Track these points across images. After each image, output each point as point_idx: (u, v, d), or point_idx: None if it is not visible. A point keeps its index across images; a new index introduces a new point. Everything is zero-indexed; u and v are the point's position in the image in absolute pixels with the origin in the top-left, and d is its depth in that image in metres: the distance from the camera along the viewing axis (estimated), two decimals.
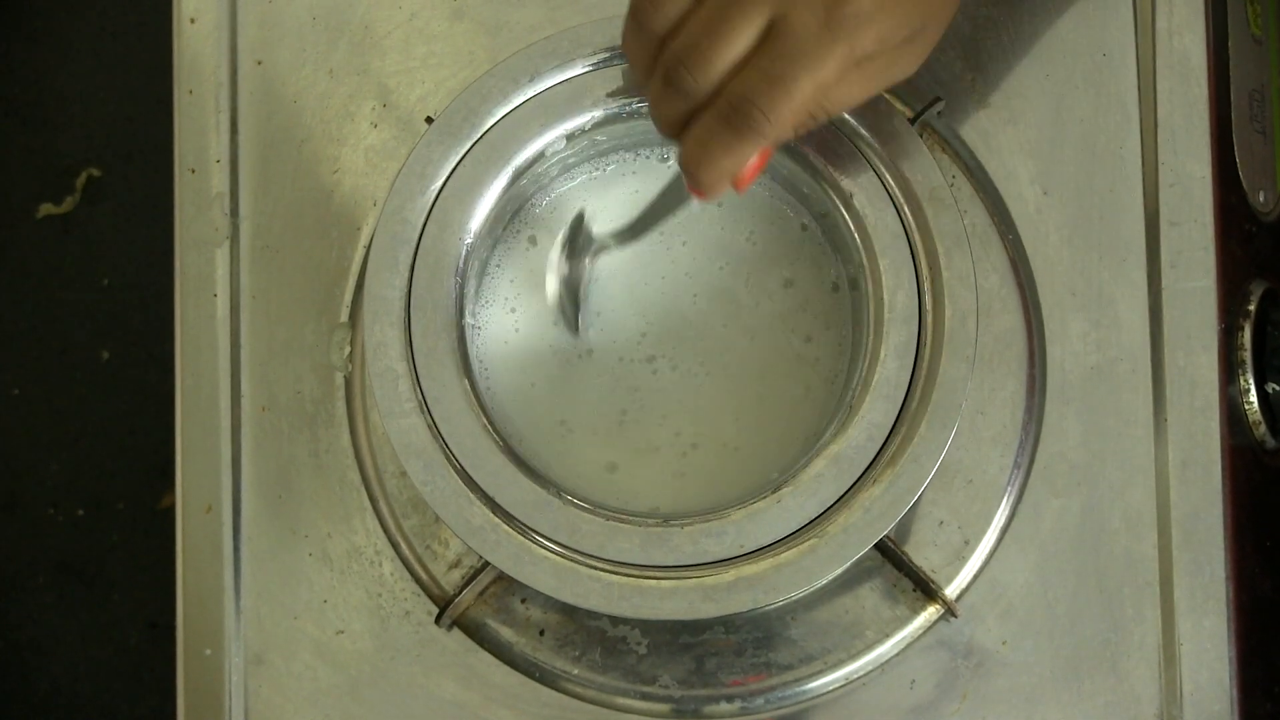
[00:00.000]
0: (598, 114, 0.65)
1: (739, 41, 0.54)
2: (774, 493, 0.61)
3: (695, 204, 0.62)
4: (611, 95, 0.65)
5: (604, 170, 0.69)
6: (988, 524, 0.67)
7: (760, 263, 0.68)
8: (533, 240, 0.69)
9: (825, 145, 0.64)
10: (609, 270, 0.68)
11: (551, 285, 0.67)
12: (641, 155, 0.69)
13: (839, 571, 0.62)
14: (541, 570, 0.61)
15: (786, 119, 0.54)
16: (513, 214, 0.68)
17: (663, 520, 0.61)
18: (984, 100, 0.70)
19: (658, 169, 0.69)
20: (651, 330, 0.68)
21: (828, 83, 0.54)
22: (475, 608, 0.67)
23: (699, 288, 0.68)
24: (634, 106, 0.66)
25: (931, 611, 0.66)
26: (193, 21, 0.72)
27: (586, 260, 0.67)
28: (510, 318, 0.68)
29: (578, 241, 0.67)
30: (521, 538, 0.61)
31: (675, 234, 0.68)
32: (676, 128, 0.56)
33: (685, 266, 0.68)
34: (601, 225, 0.67)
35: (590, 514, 0.61)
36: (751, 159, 0.56)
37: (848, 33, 0.53)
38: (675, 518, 0.61)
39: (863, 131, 0.64)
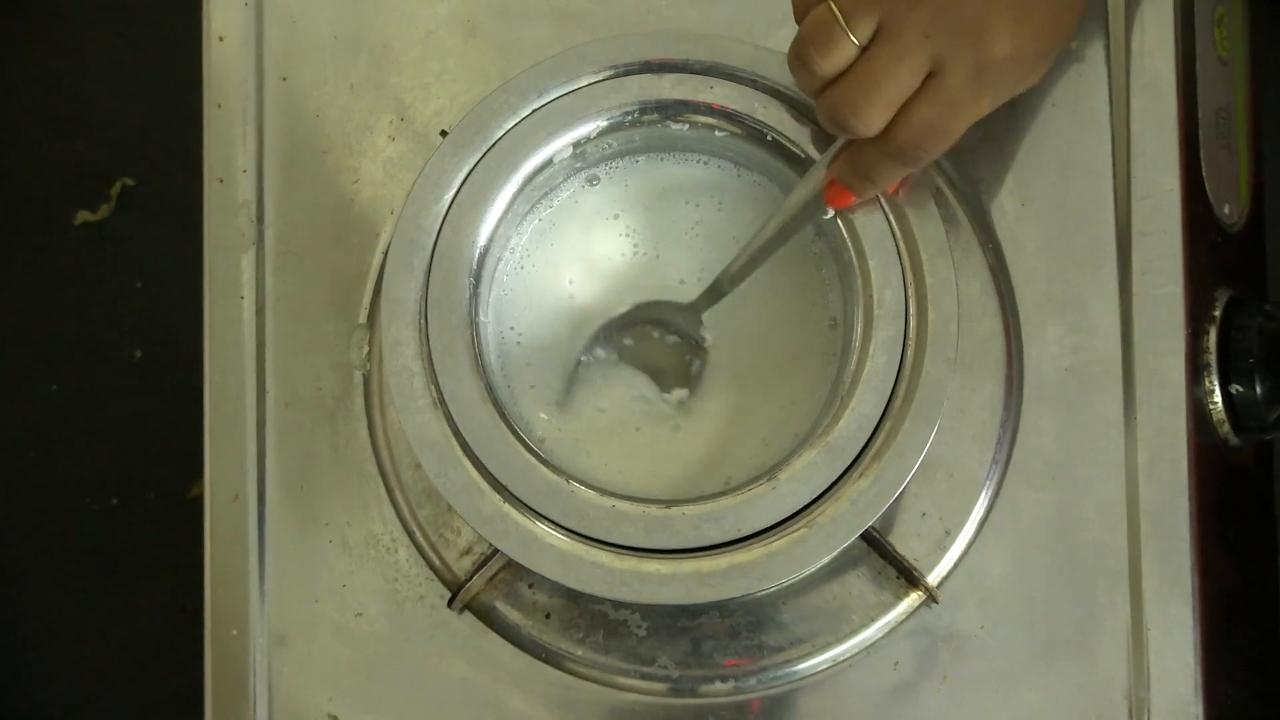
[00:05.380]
0: (602, 123, 0.66)
1: (901, 94, 0.56)
2: (769, 480, 0.61)
3: (828, 214, 0.63)
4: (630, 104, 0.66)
5: (608, 175, 0.69)
6: (968, 516, 0.67)
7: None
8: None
9: (822, 153, 0.64)
10: (611, 270, 0.68)
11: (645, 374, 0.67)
12: (642, 160, 0.69)
13: (827, 559, 0.62)
14: (548, 557, 0.61)
15: (944, 150, 0.58)
16: (522, 216, 0.68)
17: (665, 504, 0.61)
18: None
19: (658, 171, 0.69)
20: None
21: (980, 115, 0.57)
22: (485, 592, 0.67)
23: (700, 285, 0.68)
24: (635, 116, 0.66)
25: (914, 598, 0.66)
26: (221, 39, 0.72)
27: (685, 326, 0.67)
28: (520, 316, 0.68)
29: (664, 318, 0.67)
30: (529, 526, 0.61)
31: (675, 237, 0.68)
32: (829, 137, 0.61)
33: (687, 266, 0.68)
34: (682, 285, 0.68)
35: (597, 500, 0.61)
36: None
37: (994, 80, 0.56)
38: (677, 502, 0.61)
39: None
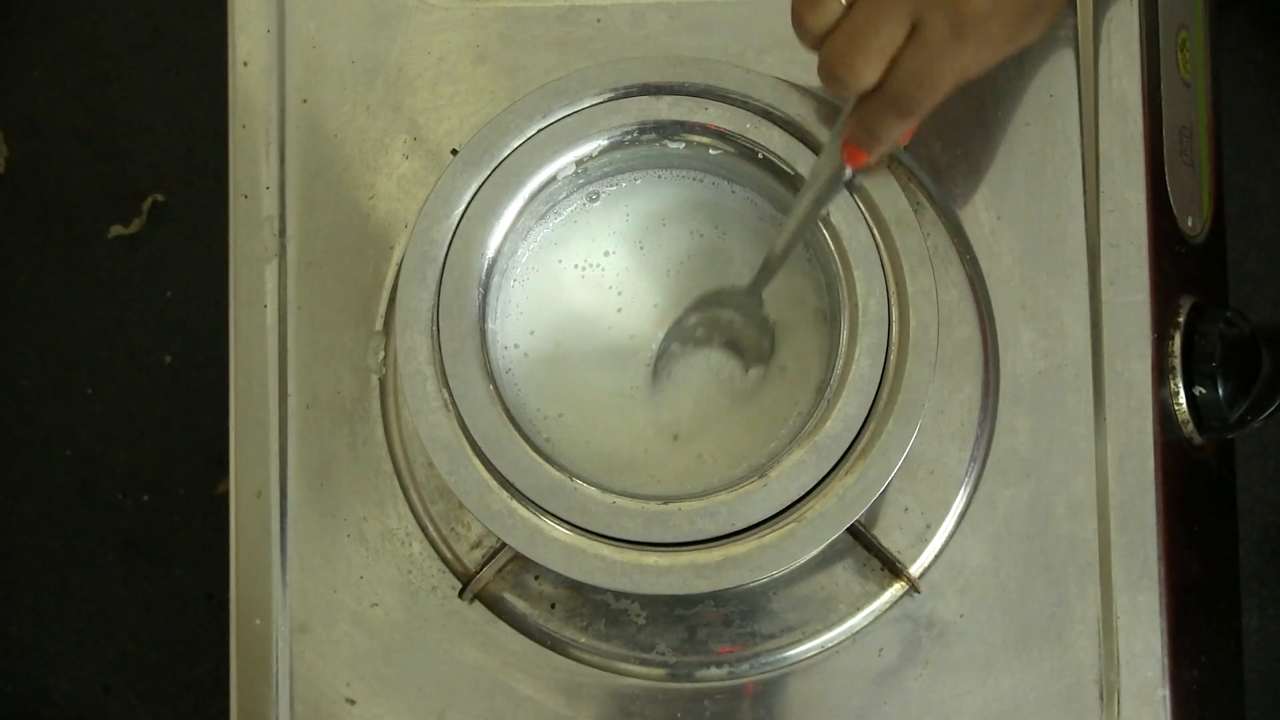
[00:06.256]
0: (603, 142, 0.65)
1: (886, 47, 0.56)
2: (760, 477, 0.61)
3: (849, 174, 0.62)
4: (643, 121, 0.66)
5: (608, 191, 0.69)
6: (947, 510, 0.67)
7: (754, 267, 0.68)
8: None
9: (808, 169, 0.64)
10: (614, 272, 0.68)
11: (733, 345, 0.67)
12: (640, 177, 0.69)
13: (815, 552, 0.61)
14: (553, 551, 0.61)
15: (937, 100, 0.57)
16: (528, 230, 0.68)
17: (663, 500, 0.61)
18: (945, 136, 0.70)
19: (655, 188, 0.69)
20: (652, 332, 0.67)
21: (967, 66, 0.57)
22: (494, 583, 0.67)
23: (698, 290, 0.68)
24: (634, 135, 0.66)
25: (897, 588, 0.66)
26: (246, 64, 0.72)
27: (749, 301, 0.66)
28: (527, 324, 0.68)
29: (729, 301, 0.66)
30: (535, 521, 0.61)
31: (671, 249, 0.68)
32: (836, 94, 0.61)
33: (686, 273, 0.68)
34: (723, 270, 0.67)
35: (599, 497, 0.61)
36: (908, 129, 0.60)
37: (974, 29, 0.56)
38: (674, 499, 0.61)
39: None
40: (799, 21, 0.57)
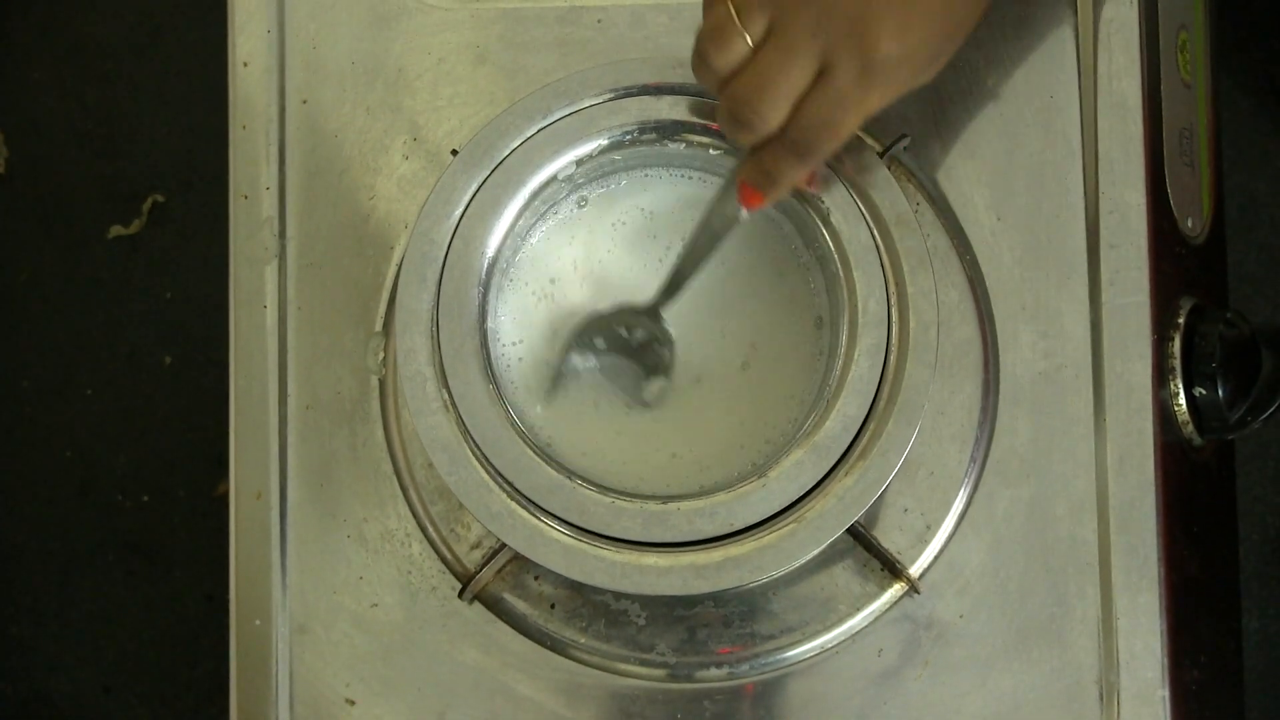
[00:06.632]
0: (603, 142, 0.65)
1: (793, 90, 0.55)
2: (760, 478, 0.61)
3: (744, 215, 0.62)
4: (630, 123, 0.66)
5: (609, 190, 0.69)
6: (947, 511, 0.67)
7: (752, 270, 0.68)
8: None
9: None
10: (615, 272, 0.68)
11: (625, 373, 0.66)
12: (640, 175, 0.69)
13: (815, 553, 0.61)
14: (553, 551, 0.61)
15: (839, 144, 0.57)
16: (529, 229, 0.68)
17: (662, 500, 0.61)
18: (945, 137, 0.70)
19: (655, 186, 0.69)
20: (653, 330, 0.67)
21: (871, 109, 0.56)
22: (494, 584, 0.67)
23: (698, 288, 0.68)
24: (634, 135, 0.66)
25: (897, 588, 0.66)
26: (246, 65, 0.72)
27: (649, 322, 0.66)
28: (527, 325, 0.68)
29: (628, 320, 0.66)
30: (535, 522, 0.61)
31: (671, 246, 0.68)
32: (731, 140, 0.60)
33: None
34: (622, 288, 0.67)
35: (598, 497, 0.61)
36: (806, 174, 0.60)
37: (882, 73, 0.55)
38: (673, 498, 0.61)
39: (838, 164, 0.64)
40: (704, 60, 0.56)
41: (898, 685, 0.66)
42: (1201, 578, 0.71)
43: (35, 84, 1.36)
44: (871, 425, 0.61)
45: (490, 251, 0.64)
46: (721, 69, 0.56)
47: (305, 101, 0.72)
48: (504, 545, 0.65)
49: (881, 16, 0.54)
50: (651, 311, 0.66)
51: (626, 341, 0.66)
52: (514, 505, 0.61)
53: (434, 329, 0.63)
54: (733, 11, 0.55)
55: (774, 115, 0.55)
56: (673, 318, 0.66)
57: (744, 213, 0.62)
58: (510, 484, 0.61)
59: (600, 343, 0.66)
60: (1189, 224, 0.72)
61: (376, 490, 0.68)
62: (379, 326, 0.69)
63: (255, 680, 0.68)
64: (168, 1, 1.37)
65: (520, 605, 0.66)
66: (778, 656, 0.66)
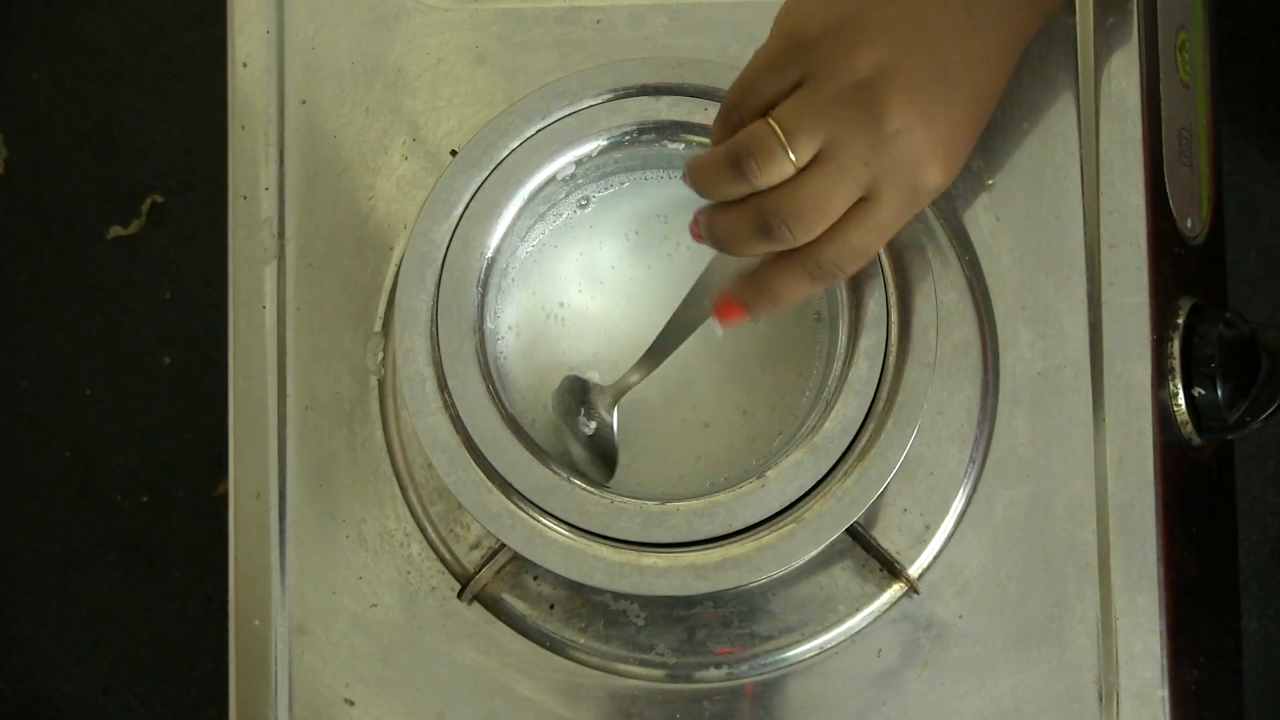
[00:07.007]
0: (602, 143, 0.65)
1: (834, 215, 0.54)
2: (759, 478, 0.61)
3: (717, 330, 0.61)
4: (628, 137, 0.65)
5: (607, 191, 0.69)
6: (946, 511, 0.67)
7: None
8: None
9: None
10: (615, 272, 0.68)
11: (577, 452, 0.65)
12: (639, 177, 0.69)
13: (815, 553, 0.61)
14: (552, 551, 0.61)
15: (858, 269, 0.57)
16: (528, 230, 0.68)
17: (660, 501, 0.61)
18: None
19: (654, 187, 0.69)
20: (651, 334, 0.67)
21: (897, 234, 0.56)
22: (493, 584, 0.66)
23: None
24: (633, 136, 0.66)
25: (896, 589, 0.66)
26: (245, 65, 0.72)
27: (603, 412, 0.64)
28: (526, 325, 0.68)
29: (588, 399, 0.64)
30: (534, 522, 0.61)
31: (676, 241, 0.68)
32: (735, 249, 0.56)
33: (686, 275, 0.68)
34: (606, 366, 0.66)
35: (597, 497, 0.61)
36: None
37: (920, 205, 0.55)
38: (671, 499, 0.61)
39: None
40: (743, 174, 0.53)
41: (897, 686, 0.66)
42: (1201, 578, 0.71)
43: (35, 84, 1.36)
44: (870, 426, 0.61)
45: (489, 252, 0.64)
46: (760, 184, 0.54)
47: (304, 102, 0.72)
48: (503, 546, 0.65)
49: (934, 149, 0.54)
50: (612, 394, 0.64)
51: (578, 422, 0.65)
52: (513, 505, 0.61)
53: (433, 329, 0.63)
54: (779, 131, 0.53)
55: (807, 237, 0.54)
56: (670, 309, 0.66)
57: (716, 329, 0.60)
58: (509, 484, 0.61)
59: (569, 407, 0.65)
60: (1188, 224, 0.72)
61: (376, 490, 0.68)
62: (378, 327, 0.69)
63: (254, 681, 0.68)
64: (167, 2, 1.37)
65: (519, 605, 0.66)
66: (777, 657, 0.66)
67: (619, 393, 0.64)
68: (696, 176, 0.56)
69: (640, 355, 0.64)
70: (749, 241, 0.56)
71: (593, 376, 0.66)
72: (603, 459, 0.65)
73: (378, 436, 0.69)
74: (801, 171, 0.54)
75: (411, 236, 0.64)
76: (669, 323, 0.63)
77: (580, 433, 0.64)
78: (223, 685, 0.69)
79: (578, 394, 0.65)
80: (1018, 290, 0.68)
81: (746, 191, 0.55)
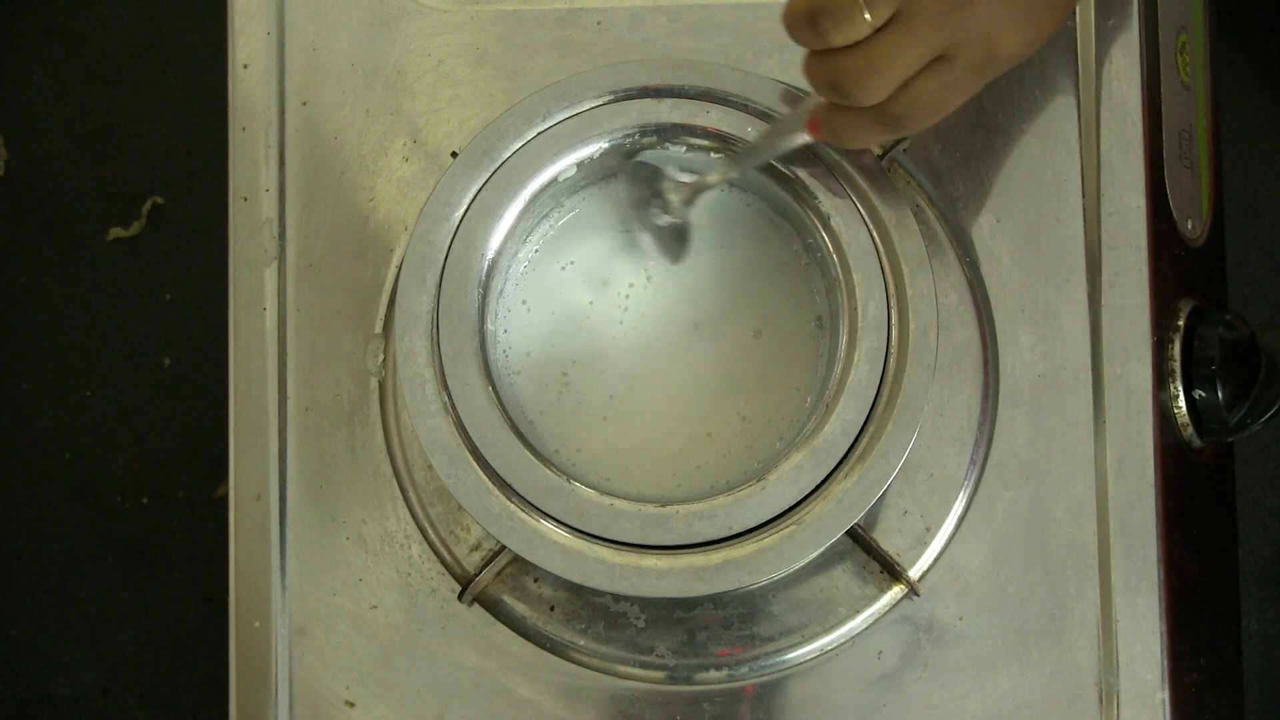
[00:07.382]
0: (603, 145, 0.65)
1: (907, 74, 0.54)
2: (759, 480, 0.61)
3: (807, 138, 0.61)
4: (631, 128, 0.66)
5: (607, 193, 0.69)
6: (947, 513, 0.67)
7: (753, 272, 0.68)
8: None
9: (809, 174, 0.64)
10: (615, 272, 0.68)
11: (644, 235, 0.66)
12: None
13: (815, 555, 0.61)
14: (552, 553, 0.61)
15: (931, 124, 0.56)
16: (529, 231, 0.68)
17: (660, 503, 0.61)
18: (944, 140, 0.70)
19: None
20: (651, 336, 0.67)
21: (972, 95, 0.56)
22: (493, 586, 0.66)
23: (697, 292, 0.68)
24: (635, 138, 0.66)
25: (897, 590, 0.66)
26: (246, 67, 0.72)
27: (678, 207, 0.65)
28: (526, 328, 0.68)
29: (660, 191, 0.64)
30: (534, 524, 0.61)
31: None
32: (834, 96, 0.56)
33: (686, 276, 0.68)
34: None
35: (597, 499, 0.61)
36: None
37: (1001, 65, 0.55)
38: (671, 501, 0.61)
39: (839, 165, 0.64)
40: (815, 29, 0.53)
41: (897, 687, 0.66)
42: (1201, 580, 0.71)
43: (34, 86, 1.36)
44: (871, 428, 0.61)
45: (490, 254, 0.64)
46: (835, 43, 0.54)
47: (305, 103, 0.72)
48: (503, 547, 0.65)
49: (1011, 14, 0.54)
50: (688, 191, 0.65)
51: (649, 212, 0.65)
52: (513, 507, 0.61)
53: (434, 331, 0.63)
54: None
55: (881, 94, 0.54)
56: (671, 312, 0.67)
57: (808, 138, 0.60)
58: (509, 486, 0.61)
59: (640, 189, 0.66)
60: (1189, 226, 0.72)
61: (376, 492, 0.68)
62: (378, 328, 0.69)
63: (254, 682, 0.68)
64: (168, 4, 1.37)
65: (520, 607, 0.66)
66: (777, 659, 0.66)
67: (695, 191, 0.64)
68: (786, 24, 0.56)
69: (723, 155, 0.63)
70: (825, 94, 0.56)
71: (669, 169, 0.66)
72: (671, 245, 0.65)
73: (378, 438, 0.69)
74: (878, 31, 0.54)
75: (412, 238, 0.64)
76: (766, 130, 0.63)
77: (650, 221, 0.64)
78: (223, 687, 0.69)
79: (651, 183, 0.64)
80: (1018, 292, 0.68)
81: (823, 46, 0.55)
